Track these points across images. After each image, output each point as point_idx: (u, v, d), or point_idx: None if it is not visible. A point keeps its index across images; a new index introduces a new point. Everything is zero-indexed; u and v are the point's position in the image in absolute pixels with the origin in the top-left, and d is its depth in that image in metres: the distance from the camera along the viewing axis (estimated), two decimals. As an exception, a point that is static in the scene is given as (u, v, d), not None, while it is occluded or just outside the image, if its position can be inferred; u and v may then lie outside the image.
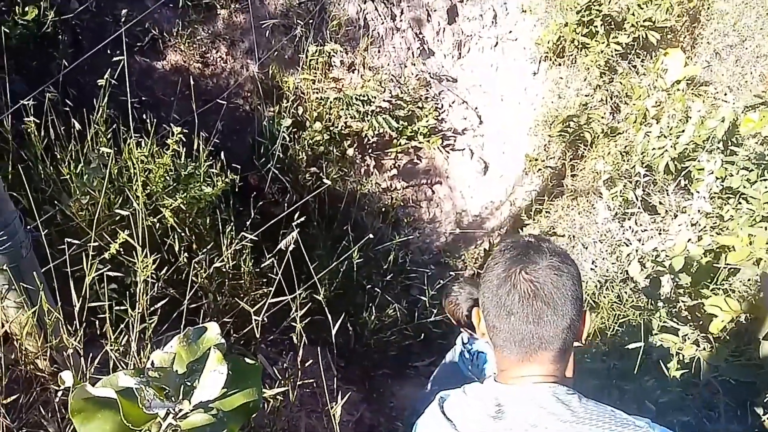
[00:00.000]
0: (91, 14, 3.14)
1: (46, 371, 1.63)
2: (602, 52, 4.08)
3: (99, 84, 2.18)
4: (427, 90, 4.18)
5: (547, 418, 0.89)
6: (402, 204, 3.88)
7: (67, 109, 2.30)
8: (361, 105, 3.65)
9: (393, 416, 2.81)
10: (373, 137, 3.74)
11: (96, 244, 1.55)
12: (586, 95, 4.13)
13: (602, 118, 3.99)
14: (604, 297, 2.85)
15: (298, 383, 1.61)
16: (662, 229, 3.26)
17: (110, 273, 1.55)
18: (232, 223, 2.25)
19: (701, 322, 2.25)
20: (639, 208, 3.30)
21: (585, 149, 3.99)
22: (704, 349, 2.06)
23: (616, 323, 2.58)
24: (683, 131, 3.24)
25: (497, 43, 4.54)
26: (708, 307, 2.14)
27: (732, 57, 4.12)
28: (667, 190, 3.39)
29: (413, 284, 3.55)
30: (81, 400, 1.05)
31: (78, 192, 2.01)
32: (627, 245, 3.25)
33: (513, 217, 3.99)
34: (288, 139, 3.30)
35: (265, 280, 2.36)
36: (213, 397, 1.02)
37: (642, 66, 4.22)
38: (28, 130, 2.07)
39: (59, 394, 1.52)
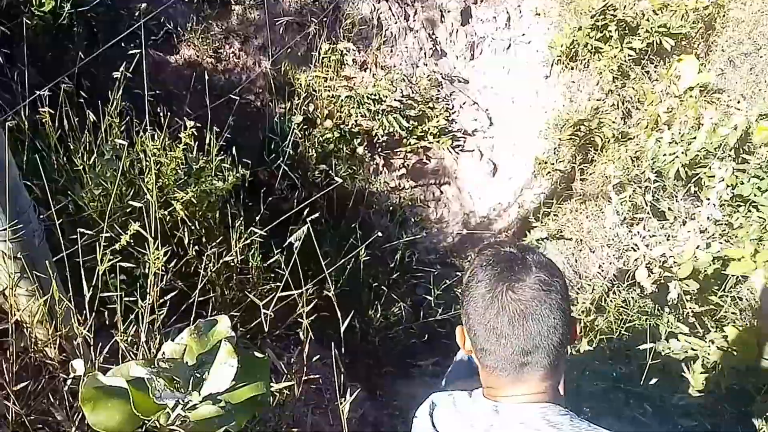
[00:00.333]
0: (106, 7, 3.16)
1: (55, 359, 1.65)
2: (615, 56, 4.07)
3: (113, 77, 2.20)
4: (439, 90, 4.18)
5: None
6: (410, 203, 3.88)
7: (82, 100, 2.32)
8: (372, 104, 3.66)
9: (396, 414, 2.81)
10: (383, 136, 3.75)
11: (108, 234, 1.56)
12: (597, 99, 4.12)
13: (613, 122, 3.98)
14: (611, 301, 2.84)
15: (304, 379, 1.62)
16: (670, 236, 3.25)
17: (122, 264, 1.56)
18: (241, 218, 2.26)
19: (709, 329, 2.25)
20: (648, 213, 3.29)
21: (595, 153, 3.98)
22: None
23: (622, 327, 2.58)
24: (695, 138, 3.23)
25: (510, 45, 4.54)
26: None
27: (746, 65, 4.10)
28: (676, 197, 3.38)
29: (419, 283, 3.55)
30: (92, 389, 1.07)
31: (91, 183, 2.03)
32: (635, 250, 3.24)
33: (521, 220, 3.99)
34: (298, 135, 3.31)
35: (272, 275, 2.38)
36: (222, 390, 1.04)
37: (655, 72, 4.20)
38: (43, 121, 2.09)
39: (68, 382, 1.53)
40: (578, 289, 3.39)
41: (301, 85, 3.55)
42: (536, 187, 4.06)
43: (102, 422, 1.06)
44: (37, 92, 2.04)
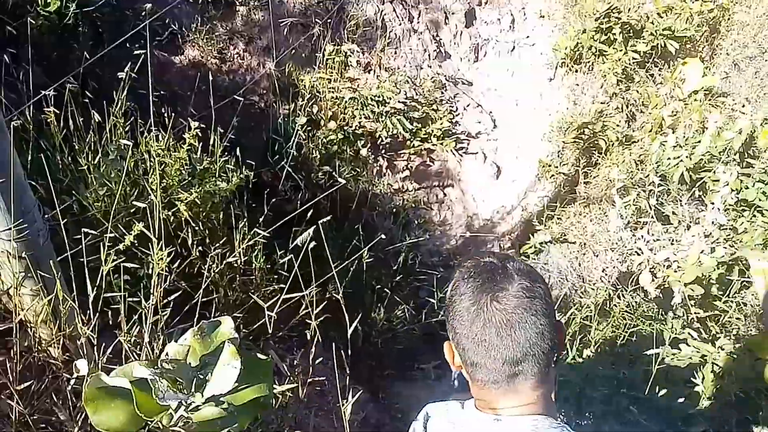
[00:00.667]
0: (111, 7, 3.17)
1: (59, 359, 1.65)
2: (620, 59, 4.06)
3: (118, 77, 2.20)
4: (443, 92, 4.18)
5: None
6: (413, 206, 3.88)
7: (86, 100, 2.32)
8: (375, 105, 3.66)
9: (398, 417, 2.81)
10: (386, 138, 3.75)
11: (112, 235, 1.57)
12: (602, 103, 4.11)
13: (617, 126, 3.97)
14: (615, 306, 2.83)
15: (308, 381, 1.61)
16: (675, 240, 3.24)
17: (126, 264, 1.56)
18: (245, 219, 2.26)
19: (715, 334, 2.24)
20: (652, 217, 3.28)
21: (599, 157, 3.97)
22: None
23: (626, 332, 2.57)
24: (699, 142, 3.22)
25: (514, 47, 4.54)
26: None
27: (751, 69, 4.09)
28: (680, 201, 3.37)
29: (422, 286, 3.55)
30: (95, 389, 1.06)
31: (95, 183, 2.03)
32: (638, 254, 3.23)
33: (524, 223, 3.98)
34: (302, 137, 3.32)
35: (275, 276, 2.38)
36: (225, 391, 1.03)
37: (659, 75, 4.19)
38: (48, 121, 2.09)
39: (71, 382, 1.53)
40: (581, 293, 3.39)
41: (305, 86, 3.55)
42: (540, 190, 4.05)
43: (105, 422, 1.06)
44: (43, 92, 2.05)
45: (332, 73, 3.68)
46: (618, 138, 3.92)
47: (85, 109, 2.24)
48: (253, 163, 2.62)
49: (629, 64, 4.09)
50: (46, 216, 1.62)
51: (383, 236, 2.77)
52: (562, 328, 0.97)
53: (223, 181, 2.27)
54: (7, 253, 1.49)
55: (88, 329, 1.53)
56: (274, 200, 2.72)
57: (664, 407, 1.99)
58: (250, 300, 2.11)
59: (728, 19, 4.39)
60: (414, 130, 3.82)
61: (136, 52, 2.13)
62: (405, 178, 3.92)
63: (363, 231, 3.04)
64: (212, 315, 1.92)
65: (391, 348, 3.09)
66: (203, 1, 3.43)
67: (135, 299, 1.61)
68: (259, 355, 1.15)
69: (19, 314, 1.55)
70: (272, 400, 1.24)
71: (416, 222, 3.84)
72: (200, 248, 2.11)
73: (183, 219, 2.10)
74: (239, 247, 2.05)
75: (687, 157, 3.22)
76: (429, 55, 4.23)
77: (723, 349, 2.06)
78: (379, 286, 3.14)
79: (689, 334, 2.24)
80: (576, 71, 4.32)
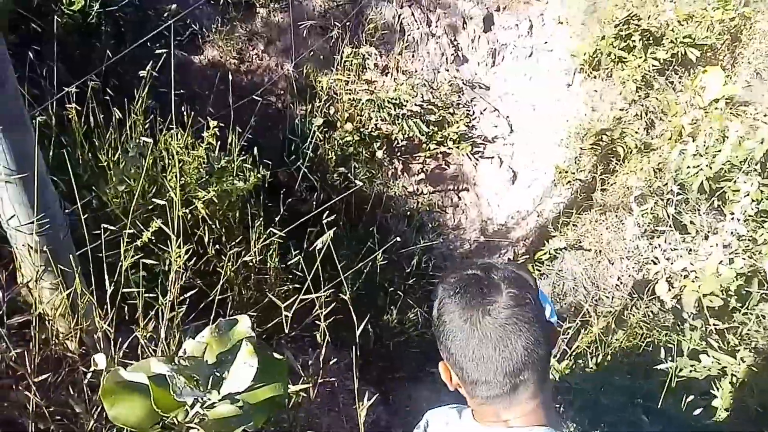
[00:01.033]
0: (134, 7, 3.21)
1: (75, 352, 1.66)
2: (639, 66, 4.03)
3: (140, 75, 2.23)
4: (459, 96, 4.17)
5: None
6: (427, 209, 3.87)
7: (108, 98, 2.35)
8: (392, 108, 3.66)
9: (409, 420, 2.80)
10: (402, 141, 3.75)
11: (130, 231, 1.58)
12: (620, 109, 4.08)
13: (636, 133, 3.94)
14: (631, 315, 2.80)
15: (320, 381, 1.62)
16: (692, 249, 3.20)
17: (145, 260, 1.57)
18: (260, 219, 2.28)
19: (734, 347, 2.20)
20: (670, 226, 3.25)
21: (617, 164, 3.94)
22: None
23: (642, 342, 2.54)
24: (720, 151, 3.18)
25: (532, 53, 4.52)
26: None
27: (773, 78, 4.04)
28: (699, 210, 3.33)
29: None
30: (113, 383, 1.07)
31: (115, 179, 2.05)
32: (655, 263, 3.20)
33: (539, 229, 3.96)
34: (319, 138, 3.33)
35: (290, 276, 2.38)
36: (241, 389, 1.04)
37: (679, 83, 4.15)
38: (69, 117, 2.12)
39: (88, 375, 1.55)
40: (596, 300, 3.36)
41: (322, 87, 3.57)
42: (556, 196, 4.03)
43: (121, 416, 1.07)
44: (65, 89, 2.07)
45: (350, 75, 3.69)
46: (636, 145, 3.88)
47: (105, 107, 2.27)
48: (270, 162, 2.64)
49: (649, 71, 4.05)
50: (67, 211, 1.64)
51: (398, 239, 2.76)
52: (553, 328, 0.95)
53: (240, 180, 2.28)
54: (28, 246, 1.51)
55: (105, 324, 1.54)
56: (289, 200, 2.74)
57: (679, 418, 1.97)
58: (264, 299, 2.12)
59: (750, 27, 4.33)
60: (430, 134, 3.82)
61: (157, 52, 2.15)
62: (420, 181, 3.92)
63: (377, 233, 3.05)
64: (227, 313, 1.93)
65: (403, 351, 3.09)
66: (224, 2, 3.46)
67: (151, 295, 1.62)
68: (275, 355, 1.15)
69: (38, 307, 1.57)
70: (287, 399, 1.25)
71: (430, 225, 3.83)
72: (216, 246, 2.13)
73: (200, 217, 2.12)
74: (255, 247, 2.06)
75: (707, 165, 3.18)
76: (446, 59, 4.22)
77: (744, 361, 2.03)
78: (392, 289, 3.14)
79: (710, 344, 2.21)
80: (594, 77, 4.30)
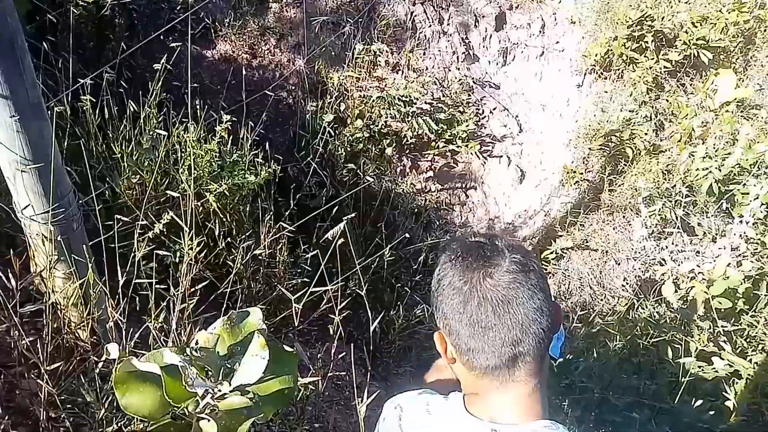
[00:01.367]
0: (147, 0, 3.23)
1: (87, 342, 1.69)
2: (651, 68, 4.02)
3: (154, 68, 2.24)
4: (469, 95, 4.17)
5: None
6: (435, 206, 3.88)
7: (122, 90, 2.37)
8: (402, 105, 3.67)
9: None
10: (411, 138, 3.76)
11: (143, 222, 1.60)
12: (630, 111, 4.07)
13: (645, 134, 3.93)
14: (638, 315, 2.81)
15: (329, 375, 1.63)
16: (699, 252, 3.19)
17: (158, 252, 1.59)
18: (271, 213, 2.29)
19: (744, 349, 2.20)
20: (677, 228, 3.24)
21: (625, 165, 3.93)
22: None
23: (648, 342, 2.54)
24: (730, 153, 3.17)
25: (543, 52, 4.51)
26: None
27: (786, 81, 4.01)
28: (707, 212, 3.32)
29: (442, 287, 3.54)
30: (125, 373, 1.09)
31: (128, 171, 2.07)
32: (662, 265, 3.20)
33: (546, 228, 3.96)
34: (329, 134, 3.34)
35: (299, 270, 2.40)
36: (252, 381, 1.05)
37: (691, 85, 4.14)
38: (84, 109, 2.14)
39: (99, 365, 1.57)
40: (601, 299, 3.36)
41: (333, 84, 3.57)
42: (563, 195, 4.02)
43: (133, 406, 1.08)
44: (81, 81, 2.09)
45: (361, 71, 3.70)
46: (646, 147, 3.87)
47: (119, 99, 2.29)
48: (281, 157, 2.65)
49: (660, 72, 4.04)
50: (80, 201, 1.66)
51: (406, 235, 2.77)
52: (559, 308, 0.89)
53: (252, 174, 2.30)
54: (42, 236, 1.53)
55: (117, 314, 1.56)
56: (299, 195, 2.75)
57: (686, 420, 1.97)
58: (273, 292, 2.14)
59: (764, 30, 4.31)
60: (439, 131, 3.82)
61: (170, 45, 2.17)
62: (428, 179, 3.93)
63: (385, 229, 3.05)
64: (236, 306, 1.95)
65: (409, 346, 3.10)
66: (237, -3, 3.48)
67: (163, 287, 1.64)
68: (286, 347, 1.16)
69: (50, 296, 1.59)
70: (296, 392, 1.26)
71: (438, 223, 3.84)
72: (227, 239, 2.14)
73: (211, 210, 2.13)
74: (265, 240, 2.08)
75: (716, 168, 3.17)
76: (457, 58, 4.22)
77: (758, 365, 2.03)
78: (399, 285, 3.15)
79: (721, 346, 2.20)
80: (605, 78, 4.28)
